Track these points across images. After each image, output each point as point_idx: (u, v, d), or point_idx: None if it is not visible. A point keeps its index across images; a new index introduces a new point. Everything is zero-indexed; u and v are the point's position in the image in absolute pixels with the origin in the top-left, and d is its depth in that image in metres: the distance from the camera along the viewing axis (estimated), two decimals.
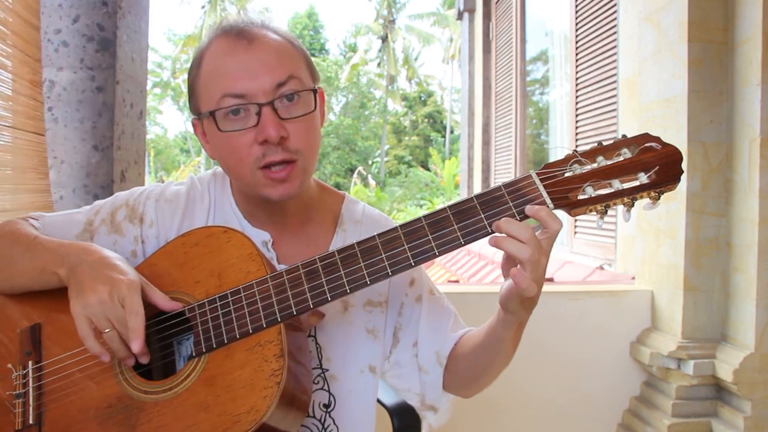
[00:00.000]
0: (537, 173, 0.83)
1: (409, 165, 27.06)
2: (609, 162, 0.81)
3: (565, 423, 2.33)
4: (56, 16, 1.74)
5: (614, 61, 3.04)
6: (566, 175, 0.82)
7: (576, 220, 3.51)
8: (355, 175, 23.60)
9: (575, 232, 3.56)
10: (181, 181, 1.07)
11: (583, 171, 0.81)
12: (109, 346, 0.83)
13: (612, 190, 0.80)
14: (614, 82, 3.03)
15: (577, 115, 3.57)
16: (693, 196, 2.13)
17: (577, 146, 3.56)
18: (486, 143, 5.72)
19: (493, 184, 5.59)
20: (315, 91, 0.94)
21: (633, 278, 2.57)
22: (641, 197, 0.81)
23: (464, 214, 0.82)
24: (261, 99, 0.88)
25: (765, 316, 1.99)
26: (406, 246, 0.83)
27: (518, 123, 4.87)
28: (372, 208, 1.13)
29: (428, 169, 23.33)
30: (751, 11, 2.02)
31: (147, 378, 0.86)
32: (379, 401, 1.20)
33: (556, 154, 4.42)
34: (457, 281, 4.43)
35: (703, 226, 2.14)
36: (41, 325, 0.91)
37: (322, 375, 0.99)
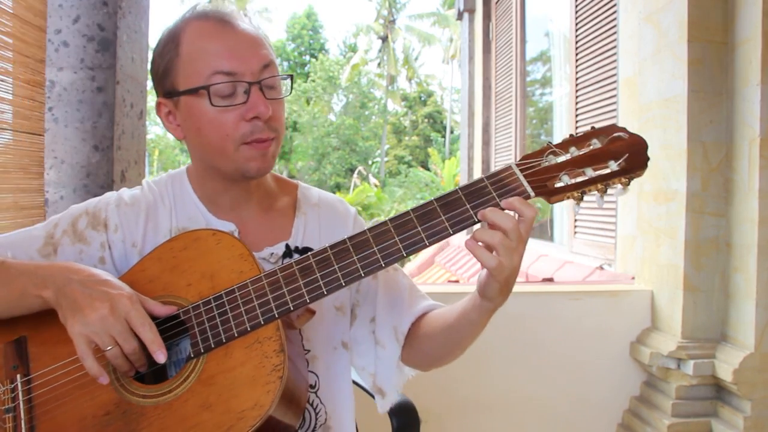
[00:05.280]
0: (517, 164, 0.87)
1: (409, 165, 27.06)
2: (581, 152, 0.85)
3: (565, 423, 2.33)
4: (56, 16, 1.74)
5: (614, 61, 3.04)
6: (543, 165, 0.86)
7: (576, 220, 3.51)
8: (355, 175, 23.59)
9: (575, 232, 3.56)
10: (134, 187, 1.08)
11: (558, 161, 0.85)
12: (112, 363, 0.83)
13: (586, 178, 0.85)
14: (614, 82, 3.03)
15: (577, 115, 3.57)
16: (693, 196, 2.13)
17: None
18: (486, 143, 5.72)
19: None
20: (292, 77, 1.00)
21: (633, 278, 2.57)
22: (613, 183, 0.86)
23: (451, 206, 0.86)
24: (249, 78, 0.92)
25: (765, 316, 1.99)
26: (396, 238, 0.85)
27: (518, 123, 4.87)
28: (327, 193, 1.16)
29: (428, 169, 23.32)
30: (751, 11, 2.02)
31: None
32: (368, 393, 1.21)
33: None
34: (457, 281, 4.43)
35: (703, 226, 2.14)
36: (27, 338, 0.90)
37: (305, 357, 1.02)
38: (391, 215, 0.88)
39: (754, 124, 2.00)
